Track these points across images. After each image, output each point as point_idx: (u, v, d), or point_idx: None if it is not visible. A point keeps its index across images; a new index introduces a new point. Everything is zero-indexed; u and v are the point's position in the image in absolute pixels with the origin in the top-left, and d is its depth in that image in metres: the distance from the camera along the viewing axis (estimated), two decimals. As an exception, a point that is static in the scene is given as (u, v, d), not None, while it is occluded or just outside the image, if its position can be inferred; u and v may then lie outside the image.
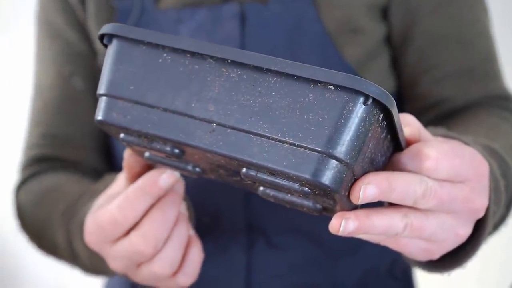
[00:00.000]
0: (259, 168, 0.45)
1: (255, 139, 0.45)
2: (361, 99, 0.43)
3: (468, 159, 0.50)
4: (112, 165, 0.86)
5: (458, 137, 0.56)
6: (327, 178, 0.44)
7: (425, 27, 0.77)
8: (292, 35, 0.75)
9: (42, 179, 0.80)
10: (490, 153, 0.60)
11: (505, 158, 0.62)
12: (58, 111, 0.83)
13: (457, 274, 1.76)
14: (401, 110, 0.77)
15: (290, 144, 0.44)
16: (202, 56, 0.47)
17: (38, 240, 0.75)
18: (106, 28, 0.49)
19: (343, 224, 0.47)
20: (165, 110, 0.48)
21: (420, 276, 1.01)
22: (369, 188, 0.46)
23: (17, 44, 1.90)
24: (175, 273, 0.58)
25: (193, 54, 0.47)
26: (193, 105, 0.47)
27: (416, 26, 0.76)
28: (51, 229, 0.70)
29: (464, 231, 0.52)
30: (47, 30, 0.84)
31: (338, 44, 0.75)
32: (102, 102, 0.50)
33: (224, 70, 0.46)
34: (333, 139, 0.43)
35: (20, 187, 0.82)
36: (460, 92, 0.76)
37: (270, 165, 0.44)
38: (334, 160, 0.43)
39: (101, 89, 0.50)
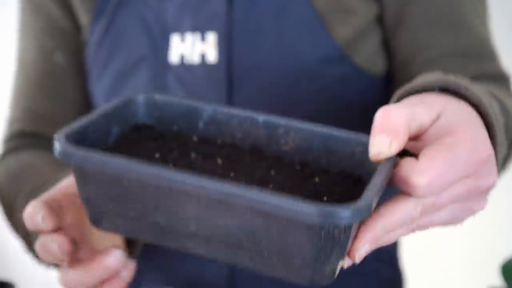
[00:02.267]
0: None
1: (244, 254, 0.45)
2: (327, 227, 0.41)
3: (466, 156, 0.46)
4: None
5: (456, 83, 0.51)
6: (324, 282, 0.44)
7: (419, 7, 0.75)
8: (280, 15, 0.74)
9: (20, 156, 0.80)
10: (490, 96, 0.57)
11: (504, 101, 0.61)
12: (40, 87, 0.83)
13: (444, 256, 1.76)
14: (391, 93, 0.76)
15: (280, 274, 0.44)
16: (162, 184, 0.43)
17: (8, 217, 0.74)
18: (60, 151, 0.45)
19: (361, 256, 0.46)
20: (152, 223, 0.46)
21: (407, 258, 1.01)
22: (362, 249, 0.45)
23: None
24: None
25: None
26: (173, 222, 0.46)
27: (410, 6, 0.75)
28: (16, 208, 0.70)
29: (479, 206, 0.49)
30: (31, 5, 0.84)
31: (328, 24, 0.74)
32: (87, 210, 0.49)
33: (192, 195, 0.43)
34: (315, 276, 0.43)
35: (0, 160, 0.81)
36: (455, 72, 0.75)
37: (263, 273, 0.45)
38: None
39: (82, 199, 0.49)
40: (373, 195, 0.42)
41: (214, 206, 0.43)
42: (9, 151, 0.82)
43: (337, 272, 0.45)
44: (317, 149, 0.51)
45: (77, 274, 0.54)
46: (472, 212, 0.49)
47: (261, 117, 0.52)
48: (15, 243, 0.76)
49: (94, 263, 0.53)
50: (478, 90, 0.53)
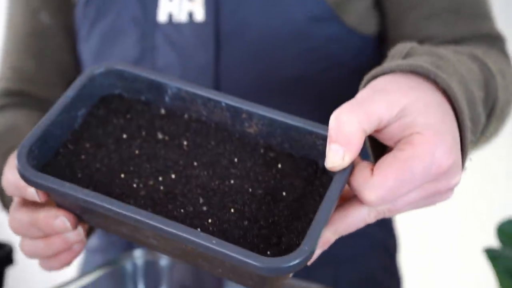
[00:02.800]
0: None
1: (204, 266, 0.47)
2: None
3: (422, 172, 0.45)
4: None
5: (425, 69, 0.50)
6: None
7: None
8: None
9: (5, 115, 0.80)
10: (472, 60, 0.57)
11: (488, 65, 0.60)
12: (26, 46, 0.83)
13: (440, 218, 1.77)
14: (384, 52, 0.75)
15: None
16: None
17: None
18: (20, 173, 0.47)
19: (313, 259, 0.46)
20: (117, 231, 0.50)
21: (401, 221, 1.01)
22: (315, 254, 0.46)
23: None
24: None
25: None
26: (136, 235, 0.48)
27: None
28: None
29: (444, 199, 0.49)
30: None
31: None
32: None
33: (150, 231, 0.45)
34: None
35: None
36: (447, 29, 0.73)
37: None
38: None
39: None
40: (317, 238, 0.43)
41: (167, 239, 0.45)
42: None
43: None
44: (279, 136, 0.51)
45: (36, 245, 0.54)
46: (437, 203, 0.49)
47: (224, 100, 0.52)
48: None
49: (55, 237, 0.53)
50: (449, 71, 0.51)
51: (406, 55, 0.54)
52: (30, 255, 0.56)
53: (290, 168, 0.50)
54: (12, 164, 0.53)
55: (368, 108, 0.46)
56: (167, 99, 0.53)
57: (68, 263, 0.56)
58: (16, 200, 0.55)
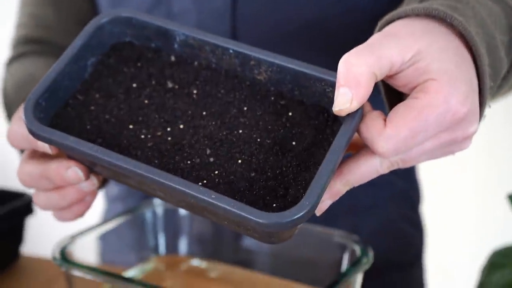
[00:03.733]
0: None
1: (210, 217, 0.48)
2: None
3: (437, 120, 0.44)
4: None
5: (441, 12, 0.47)
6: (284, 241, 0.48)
7: None
8: None
9: (24, 63, 0.80)
10: (495, 2, 0.54)
11: None
12: None
13: (462, 165, 1.74)
14: None
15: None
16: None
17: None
18: (30, 126, 0.47)
19: (322, 210, 0.47)
20: (125, 182, 0.51)
21: (424, 170, 0.99)
22: (324, 205, 0.47)
23: None
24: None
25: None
26: (143, 187, 0.49)
27: None
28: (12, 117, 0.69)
29: (462, 148, 0.48)
30: None
31: None
32: None
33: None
34: (272, 240, 0.47)
35: (8, 66, 0.82)
36: None
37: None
38: None
39: None
40: (319, 192, 0.42)
41: (172, 193, 0.45)
42: (15, 57, 0.82)
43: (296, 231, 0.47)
44: (290, 83, 0.50)
45: (50, 197, 0.54)
46: (454, 152, 0.48)
47: (232, 47, 0.50)
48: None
49: (69, 188, 0.53)
50: (467, 13, 0.49)
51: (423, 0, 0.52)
52: (44, 207, 0.56)
53: (300, 116, 0.49)
54: (19, 116, 0.53)
55: (378, 52, 0.44)
56: (176, 46, 0.52)
57: (81, 214, 0.57)
58: (25, 152, 0.55)
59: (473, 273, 0.79)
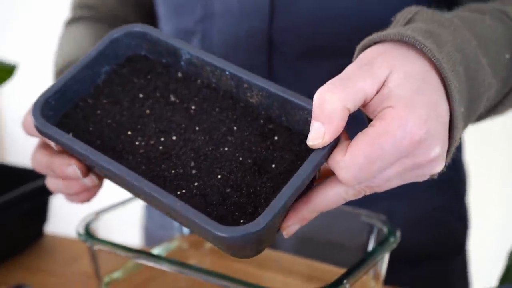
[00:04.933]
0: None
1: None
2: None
3: (393, 146, 0.45)
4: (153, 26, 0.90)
5: (411, 38, 0.48)
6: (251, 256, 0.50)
7: None
8: None
9: (78, 27, 0.85)
10: (498, 20, 0.56)
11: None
12: None
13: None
14: None
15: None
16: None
17: None
18: (36, 123, 0.51)
19: (290, 233, 0.49)
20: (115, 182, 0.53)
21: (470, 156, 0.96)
22: (291, 228, 0.49)
23: None
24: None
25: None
26: (130, 190, 0.52)
27: None
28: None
29: (433, 171, 0.48)
30: None
31: None
32: None
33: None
34: (239, 255, 0.49)
35: (66, 26, 0.88)
36: None
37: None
38: None
39: None
40: (275, 213, 0.44)
41: (150, 198, 0.48)
42: (71, 21, 0.88)
43: (266, 247, 0.50)
44: (277, 109, 0.52)
45: (58, 183, 0.58)
46: (426, 176, 0.49)
47: (228, 69, 0.53)
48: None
49: (72, 180, 0.57)
50: (444, 38, 0.50)
51: (409, 21, 0.53)
52: (54, 191, 0.60)
53: (284, 142, 0.51)
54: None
55: (353, 86, 0.46)
56: (182, 63, 0.56)
57: (86, 200, 0.60)
58: (38, 141, 0.59)
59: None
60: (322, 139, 0.46)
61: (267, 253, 0.75)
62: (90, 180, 0.56)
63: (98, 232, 0.66)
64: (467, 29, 0.53)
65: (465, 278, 0.90)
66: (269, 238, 0.49)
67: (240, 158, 0.50)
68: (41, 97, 0.53)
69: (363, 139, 0.45)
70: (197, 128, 0.52)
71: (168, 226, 0.79)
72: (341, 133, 0.47)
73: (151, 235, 0.91)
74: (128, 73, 0.57)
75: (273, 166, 0.49)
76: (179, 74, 0.56)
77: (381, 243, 0.60)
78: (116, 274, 0.67)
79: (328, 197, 0.48)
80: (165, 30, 0.85)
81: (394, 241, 0.61)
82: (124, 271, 0.68)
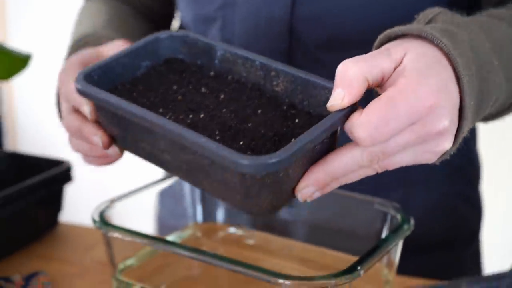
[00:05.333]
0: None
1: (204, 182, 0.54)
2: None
3: (406, 107, 0.48)
4: (171, 12, 0.93)
5: (427, 33, 0.52)
6: (265, 213, 0.53)
7: None
8: None
9: (96, 3, 0.87)
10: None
11: None
12: None
13: None
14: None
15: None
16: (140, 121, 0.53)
17: None
18: (77, 85, 0.57)
19: (306, 197, 0.51)
20: (142, 148, 0.58)
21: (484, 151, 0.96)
22: (306, 190, 0.51)
23: None
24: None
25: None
26: (155, 151, 0.56)
27: None
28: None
29: (441, 147, 0.51)
30: None
31: None
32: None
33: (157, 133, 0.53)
34: (253, 209, 0.52)
35: (84, 2, 0.91)
36: None
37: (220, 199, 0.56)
38: None
39: None
40: (292, 151, 0.47)
41: (174, 144, 0.53)
42: None
43: (281, 207, 0.53)
44: (300, 93, 0.56)
45: (82, 145, 0.64)
46: (435, 152, 0.51)
47: (258, 60, 0.59)
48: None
49: (98, 147, 0.62)
50: (459, 38, 0.53)
51: (430, 21, 0.56)
52: (75, 150, 0.66)
53: (304, 123, 0.54)
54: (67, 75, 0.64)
55: (373, 60, 0.50)
56: (216, 62, 0.62)
57: (104, 164, 0.65)
58: (67, 106, 0.65)
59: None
60: (341, 101, 0.49)
61: (280, 241, 0.75)
62: (113, 150, 0.61)
63: (112, 220, 0.67)
64: (483, 32, 0.57)
65: (478, 266, 0.90)
66: (286, 191, 0.51)
67: (262, 131, 0.53)
68: (85, 69, 0.58)
69: (378, 101, 0.49)
70: (224, 110, 0.56)
71: (181, 214, 0.80)
72: (357, 105, 0.50)
73: (164, 224, 0.92)
74: (165, 71, 0.62)
75: (292, 139, 0.50)
76: (212, 73, 0.61)
77: (394, 231, 0.61)
78: (130, 261, 0.68)
79: (344, 159, 0.50)
80: (184, 18, 0.85)
81: (407, 229, 0.61)
82: (138, 259, 0.68)
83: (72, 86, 0.61)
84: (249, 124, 0.54)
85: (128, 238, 0.62)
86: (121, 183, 0.69)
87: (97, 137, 0.61)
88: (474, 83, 0.53)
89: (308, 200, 0.52)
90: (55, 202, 0.85)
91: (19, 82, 2.32)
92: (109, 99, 0.55)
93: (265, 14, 0.76)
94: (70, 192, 0.93)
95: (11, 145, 2.47)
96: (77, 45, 0.73)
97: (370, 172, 0.51)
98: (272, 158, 0.47)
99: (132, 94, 0.58)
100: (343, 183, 0.52)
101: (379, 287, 0.63)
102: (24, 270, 0.75)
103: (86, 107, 0.60)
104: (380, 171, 0.52)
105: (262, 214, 0.53)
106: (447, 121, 0.49)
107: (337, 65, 0.68)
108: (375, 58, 0.50)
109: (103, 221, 0.64)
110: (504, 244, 1.72)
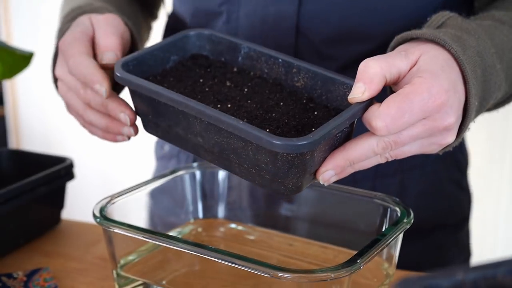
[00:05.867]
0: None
1: (234, 164, 0.58)
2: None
3: (420, 104, 0.53)
4: None
5: (437, 37, 0.58)
6: (290, 193, 0.57)
7: None
8: None
9: None
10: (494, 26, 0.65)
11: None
12: None
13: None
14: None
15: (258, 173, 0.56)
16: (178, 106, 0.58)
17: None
18: (117, 72, 0.62)
19: (326, 180, 0.56)
20: (175, 133, 0.62)
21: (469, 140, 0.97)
22: (327, 174, 0.56)
23: None
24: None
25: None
26: (188, 135, 0.60)
27: None
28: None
29: (445, 141, 0.57)
30: None
31: None
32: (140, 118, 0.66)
33: (196, 117, 0.57)
34: (280, 188, 0.56)
35: None
36: None
37: (248, 180, 0.59)
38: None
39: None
40: (321, 134, 0.52)
41: (210, 128, 0.56)
42: None
43: (304, 187, 0.57)
44: (320, 88, 0.62)
45: (99, 119, 0.67)
46: (440, 145, 0.57)
47: (281, 57, 0.64)
48: (74, 125, 0.78)
49: (117, 123, 0.66)
50: (468, 43, 0.59)
51: (442, 24, 0.63)
52: (92, 123, 0.68)
53: (323, 115, 0.59)
54: (80, 51, 0.66)
55: (391, 61, 0.56)
56: (240, 59, 0.67)
57: (116, 141, 0.68)
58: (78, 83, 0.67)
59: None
60: (362, 94, 0.55)
61: (280, 236, 0.75)
62: (130, 131, 0.65)
63: (113, 216, 0.67)
64: (488, 37, 0.62)
65: (468, 249, 0.93)
66: (309, 173, 0.56)
67: (286, 121, 0.58)
68: (123, 59, 0.63)
69: (396, 96, 0.54)
70: (249, 101, 0.61)
71: (180, 211, 0.80)
72: (373, 100, 0.55)
73: (162, 222, 0.92)
74: (192, 65, 0.67)
75: (313, 129, 0.55)
76: (235, 69, 0.66)
77: (394, 224, 0.61)
78: (131, 257, 0.68)
79: (362, 147, 0.55)
80: (179, 9, 0.85)
81: (407, 222, 0.61)
82: (139, 254, 0.68)
83: (81, 59, 0.64)
84: (273, 114, 0.58)
85: (129, 233, 0.62)
86: (123, 180, 0.69)
87: (124, 114, 0.64)
88: (478, 85, 0.59)
89: (326, 183, 0.56)
90: (57, 199, 0.86)
91: (21, 82, 2.32)
92: (150, 86, 0.59)
93: (273, 11, 0.77)
94: (73, 190, 0.94)
95: (15, 144, 2.48)
96: (75, 13, 0.74)
97: (381, 160, 0.57)
98: (304, 140, 0.51)
99: (163, 85, 0.61)
100: (357, 169, 0.57)
101: (379, 281, 0.63)
102: (27, 267, 0.75)
103: (101, 87, 0.63)
104: (390, 159, 0.57)
105: (287, 194, 0.57)
106: (453, 118, 0.55)
107: (339, 57, 0.76)
108: (394, 59, 0.56)
109: (103, 216, 0.64)
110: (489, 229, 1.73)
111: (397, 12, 0.75)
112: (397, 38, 0.62)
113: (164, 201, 0.91)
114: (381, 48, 0.75)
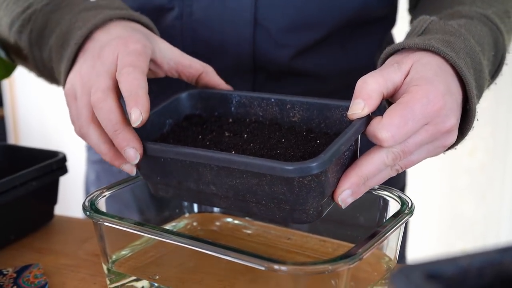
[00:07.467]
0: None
1: (251, 204, 0.58)
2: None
3: (420, 110, 0.54)
4: None
5: (427, 45, 0.59)
6: (312, 219, 0.57)
7: None
8: None
9: None
10: (483, 23, 0.66)
11: (498, 25, 0.68)
12: None
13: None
14: None
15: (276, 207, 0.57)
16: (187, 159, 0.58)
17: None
18: None
19: (344, 200, 0.56)
20: (187, 188, 0.61)
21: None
22: (344, 194, 0.55)
23: None
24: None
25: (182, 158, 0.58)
26: (201, 186, 0.59)
27: None
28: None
29: (449, 141, 0.58)
30: None
31: None
32: (148, 183, 0.65)
33: (206, 166, 0.57)
34: (302, 216, 0.56)
35: None
36: None
37: (268, 217, 0.59)
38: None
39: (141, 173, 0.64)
40: (331, 153, 0.52)
41: (222, 172, 0.56)
42: None
43: (324, 212, 0.57)
44: (316, 117, 0.63)
45: (103, 144, 0.63)
46: (444, 146, 0.59)
47: (273, 97, 0.65)
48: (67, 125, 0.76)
49: (117, 157, 0.63)
50: (458, 46, 0.61)
51: (424, 31, 0.64)
52: (95, 143, 0.63)
53: (326, 142, 0.59)
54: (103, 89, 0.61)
55: (387, 76, 0.57)
56: (233, 108, 0.68)
57: (116, 165, 0.64)
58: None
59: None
60: (362, 110, 0.56)
61: (278, 230, 0.73)
62: (130, 169, 0.63)
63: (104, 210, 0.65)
64: (471, 36, 0.64)
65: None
66: (327, 195, 0.55)
67: (292, 153, 0.58)
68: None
69: (396, 106, 0.55)
70: (251, 144, 0.61)
71: (174, 205, 0.78)
72: (371, 115, 0.56)
73: (155, 216, 0.90)
74: (187, 125, 0.68)
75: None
76: (230, 120, 0.67)
77: (394, 215, 0.59)
78: (124, 252, 0.66)
79: (372, 161, 0.55)
80: (127, 3, 0.82)
81: (408, 213, 0.59)
82: (131, 249, 0.66)
83: (135, 77, 0.59)
84: (278, 151, 0.59)
85: (121, 226, 0.60)
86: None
87: (131, 149, 0.59)
88: (474, 84, 0.60)
89: (344, 205, 0.56)
90: (50, 194, 0.84)
91: (19, 81, 2.31)
92: (155, 146, 0.59)
93: (231, 4, 0.78)
94: (66, 186, 0.92)
95: (14, 143, 2.47)
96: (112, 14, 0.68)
97: (392, 173, 0.57)
98: (316, 161, 0.52)
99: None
100: (371, 186, 0.57)
101: (380, 275, 0.61)
102: (18, 263, 0.73)
103: (137, 113, 0.58)
104: (400, 170, 0.57)
105: (309, 221, 0.57)
106: (454, 120, 0.57)
107: (294, 45, 0.80)
108: (389, 73, 0.57)
109: (94, 209, 0.62)
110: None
111: (352, 3, 0.79)
112: (388, 49, 0.63)
113: (151, 197, 0.89)
114: (331, 33, 0.81)
